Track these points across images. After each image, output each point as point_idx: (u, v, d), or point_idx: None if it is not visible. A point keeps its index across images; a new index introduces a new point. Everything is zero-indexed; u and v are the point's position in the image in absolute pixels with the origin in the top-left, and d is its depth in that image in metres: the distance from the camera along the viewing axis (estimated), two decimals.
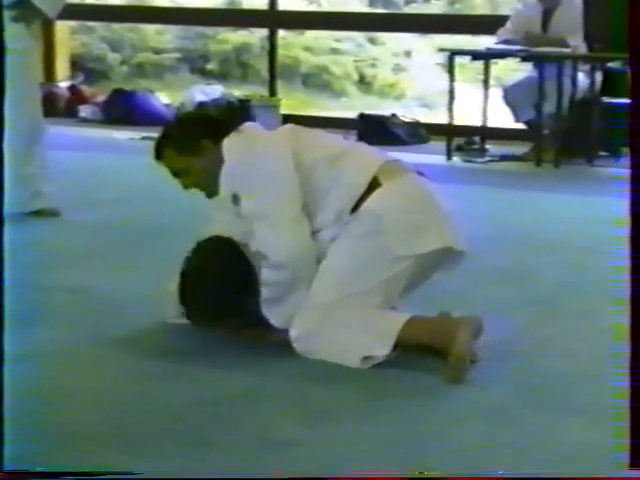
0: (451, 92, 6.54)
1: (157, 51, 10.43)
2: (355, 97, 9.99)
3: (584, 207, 5.07)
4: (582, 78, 6.42)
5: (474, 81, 7.97)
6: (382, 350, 2.68)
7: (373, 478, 2.07)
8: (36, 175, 4.46)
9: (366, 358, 2.69)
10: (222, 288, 2.85)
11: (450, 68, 6.59)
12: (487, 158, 6.55)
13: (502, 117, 6.85)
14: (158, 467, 2.10)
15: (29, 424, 2.23)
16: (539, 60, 6.41)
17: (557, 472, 2.08)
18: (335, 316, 2.73)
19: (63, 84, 8.43)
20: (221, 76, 10.06)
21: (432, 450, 2.22)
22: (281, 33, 8.58)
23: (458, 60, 6.73)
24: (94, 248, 4.03)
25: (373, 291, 2.75)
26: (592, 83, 6.37)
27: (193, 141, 2.90)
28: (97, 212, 4.66)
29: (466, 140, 6.78)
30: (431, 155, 6.45)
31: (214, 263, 2.88)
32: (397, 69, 10.27)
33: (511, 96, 6.54)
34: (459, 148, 6.68)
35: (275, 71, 8.12)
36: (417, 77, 10.04)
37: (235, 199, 2.84)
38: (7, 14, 4.06)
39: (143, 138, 6.63)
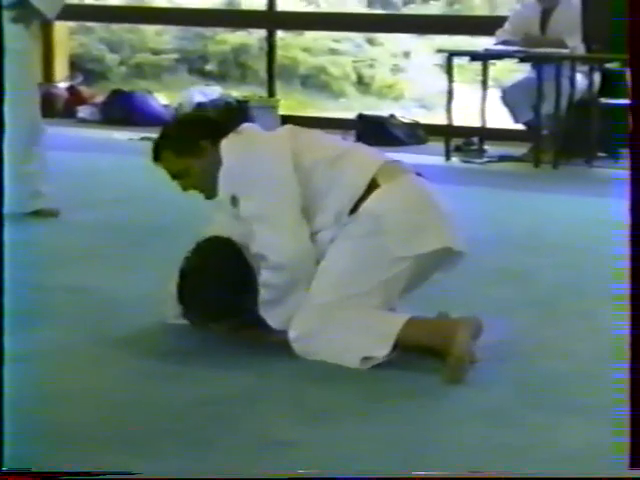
0: (449, 93, 6.55)
1: (156, 52, 10.42)
2: (354, 98, 10.00)
3: (583, 208, 5.07)
4: (580, 79, 6.43)
5: (473, 82, 7.97)
6: (381, 351, 2.68)
7: (373, 478, 2.07)
8: (35, 175, 4.46)
9: (366, 359, 2.69)
10: (221, 288, 2.85)
11: (449, 69, 6.59)
12: (485, 159, 6.55)
13: (501, 118, 6.85)
14: (158, 467, 2.10)
15: (29, 424, 2.23)
16: (537, 61, 6.42)
17: (557, 472, 2.09)
18: (334, 317, 2.73)
19: (62, 85, 8.42)
20: (219, 77, 10.06)
21: (432, 450, 2.22)
22: (279, 34, 8.58)
23: (456, 61, 6.74)
24: (94, 248, 4.03)
25: (372, 292, 2.75)
26: (590, 84, 6.37)
27: (192, 142, 2.90)
28: (96, 212, 4.66)
29: (465, 141, 6.78)
30: (430, 156, 6.45)
31: (213, 263, 2.89)
32: (396, 70, 10.27)
33: (510, 97, 6.54)
34: (458, 149, 6.69)
35: (273, 72, 8.12)
36: (416, 78, 10.05)
37: (234, 201, 2.83)
38: (6, 15, 4.06)
39: (142, 139, 6.62)
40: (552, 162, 6.30)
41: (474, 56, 6.85)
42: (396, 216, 2.79)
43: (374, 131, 6.98)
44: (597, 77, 6.43)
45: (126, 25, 10.19)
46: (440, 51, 7.17)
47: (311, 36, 10.20)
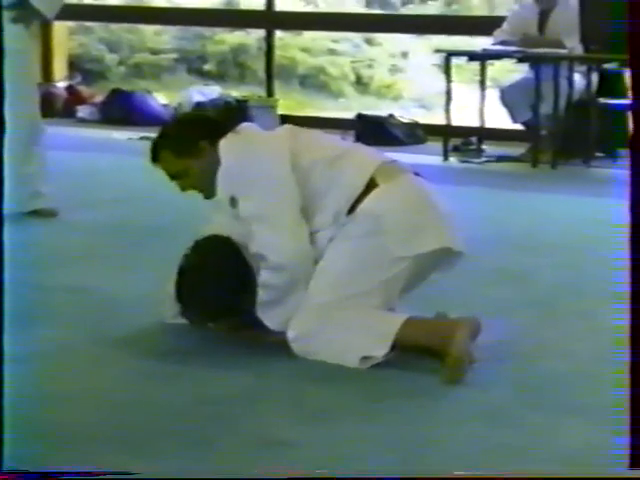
0: (448, 93, 6.55)
1: (155, 52, 10.42)
2: (352, 98, 10.00)
3: (581, 208, 5.07)
4: (578, 79, 6.43)
5: (471, 82, 7.97)
6: (380, 350, 2.69)
7: (373, 478, 2.07)
8: (35, 175, 4.46)
9: (365, 358, 2.70)
10: (219, 286, 2.85)
11: (447, 69, 6.60)
12: (484, 159, 6.55)
13: (499, 118, 6.85)
14: (158, 467, 2.11)
15: (29, 424, 2.23)
16: (535, 61, 6.42)
17: (557, 472, 2.09)
18: (333, 317, 2.73)
19: (61, 84, 8.42)
20: (218, 77, 10.05)
21: (431, 450, 2.22)
22: (278, 34, 8.58)
23: (455, 61, 6.74)
24: (93, 248, 4.03)
25: (371, 292, 2.76)
26: (588, 84, 6.38)
27: (190, 143, 2.89)
28: (96, 212, 4.66)
29: (463, 141, 6.79)
30: (428, 156, 6.45)
31: (212, 261, 2.88)
32: (394, 70, 10.27)
33: (508, 97, 6.54)
34: (456, 149, 6.69)
35: (272, 72, 8.11)
36: (414, 78, 10.05)
37: (233, 201, 2.83)
38: (6, 15, 4.06)
39: (141, 138, 6.62)
40: (550, 162, 6.30)
41: (472, 56, 6.85)
42: (395, 216, 2.79)
43: (373, 131, 6.98)
44: (595, 77, 6.44)
45: (125, 25, 10.18)
46: (438, 51, 7.17)
47: (310, 36, 10.19)
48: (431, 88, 9.17)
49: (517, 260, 3.93)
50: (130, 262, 3.80)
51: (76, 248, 4.04)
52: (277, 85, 8.22)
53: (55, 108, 7.93)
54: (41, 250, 3.98)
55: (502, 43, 6.52)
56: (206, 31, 10.20)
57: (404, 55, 10.29)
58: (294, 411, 2.44)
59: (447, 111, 6.55)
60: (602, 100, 6.32)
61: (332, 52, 10.25)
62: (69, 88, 8.36)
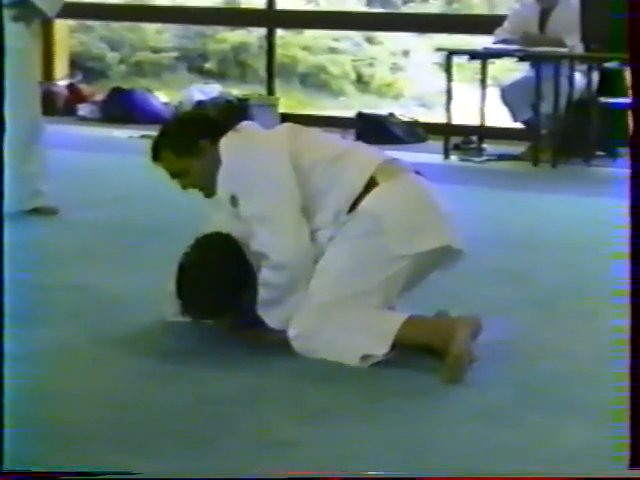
0: (449, 91, 6.55)
1: (156, 50, 10.41)
2: (353, 96, 9.99)
3: (582, 207, 5.07)
4: (579, 78, 6.43)
5: (472, 81, 7.96)
6: (381, 349, 2.68)
7: (373, 478, 2.07)
8: (35, 174, 4.46)
9: (365, 357, 2.70)
10: (220, 283, 2.85)
11: (448, 67, 6.59)
12: (484, 157, 6.55)
13: (499, 117, 6.85)
14: (158, 467, 2.10)
15: (29, 424, 2.22)
16: (536, 60, 6.42)
17: (557, 472, 2.09)
18: (334, 316, 2.73)
19: (62, 83, 8.42)
20: (219, 75, 10.05)
21: (431, 450, 2.22)
22: (279, 32, 8.58)
23: (456, 60, 6.73)
24: (93, 247, 4.03)
25: (372, 291, 2.75)
26: (589, 83, 6.37)
27: (191, 142, 2.89)
28: (96, 211, 4.66)
29: (464, 139, 6.78)
30: (429, 154, 6.45)
31: (213, 257, 2.88)
32: (395, 68, 10.27)
33: (508, 96, 6.54)
34: (457, 147, 6.69)
35: (273, 70, 8.11)
36: (415, 76, 10.04)
37: (233, 200, 2.83)
38: (7, 13, 4.06)
39: (142, 137, 6.62)
40: (551, 161, 6.30)
41: (473, 55, 6.84)
42: (395, 215, 2.79)
43: (373, 130, 6.98)
44: (596, 76, 6.43)
45: (126, 23, 10.17)
46: (439, 50, 7.16)
47: (311, 35, 10.19)
48: (432, 87, 9.16)
49: (517, 259, 3.93)
50: (130, 261, 3.80)
51: (76, 247, 4.04)
52: (278, 84, 8.22)
53: (56, 106, 7.93)
54: (41, 249, 3.98)
55: (503, 42, 6.52)
56: (207, 29, 10.20)
57: (405, 54, 10.28)
58: (294, 411, 2.44)
59: (448, 110, 6.55)
60: (603, 99, 6.32)
61: (333, 51, 10.24)
62: (70, 86, 8.36)
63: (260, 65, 8.99)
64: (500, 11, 8.49)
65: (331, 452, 2.20)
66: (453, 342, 2.63)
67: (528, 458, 2.18)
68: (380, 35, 10.06)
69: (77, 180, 5.34)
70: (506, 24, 6.64)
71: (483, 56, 6.70)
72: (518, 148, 6.59)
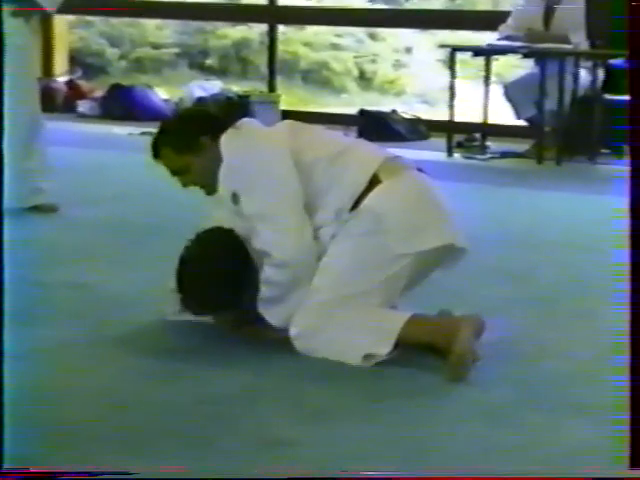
0: (452, 88, 6.53)
1: (156, 46, 10.41)
2: (355, 93, 9.98)
3: (585, 205, 5.06)
4: (584, 75, 6.41)
5: (475, 77, 7.95)
6: (383, 348, 2.68)
7: (373, 478, 2.07)
8: (35, 171, 4.45)
9: (367, 356, 2.69)
10: (220, 277, 2.83)
11: (451, 64, 6.58)
12: (488, 155, 6.54)
13: (503, 114, 6.84)
14: (158, 467, 2.09)
15: (29, 424, 2.22)
16: (541, 57, 6.40)
17: (557, 472, 2.08)
18: (336, 315, 2.72)
19: (61, 79, 8.41)
20: (220, 72, 10.05)
21: (432, 450, 2.22)
22: (281, 28, 8.57)
23: (459, 56, 6.72)
24: (93, 245, 4.02)
25: (373, 290, 2.75)
26: (594, 80, 6.36)
27: (191, 139, 2.88)
28: (96, 208, 4.65)
29: (467, 137, 6.77)
30: (431, 152, 6.45)
31: (213, 252, 2.87)
32: (397, 65, 10.26)
33: (512, 93, 6.52)
34: (460, 145, 6.68)
35: (274, 67, 8.10)
36: (418, 73, 10.03)
37: (235, 198, 2.82)
38: (6, 9, 4.05)
39: (142, 133, 6.61)
40: (555, 159, 6.29)
41: (477, 51, 6.83)
42: (397, 214, 2.78)
43: (376, 127, 6.97)
44: (601, 73, 6.41)
45: (126, 19, 10.16)
46: (442, 46, 7.16)
47: (312, 31, 10.18)
48: (435, 84, 9.16)
49: (520, 258, 3.92)
50: (131, 259, 3.79)
51: (76, 244, 4.03)
52: (279, 80, 8.21)
53: (55, 103, 7.92)
54: (41, 246, 3.98)
55: (507, 38, 6.50)
56: (208, 25, 10.19)
57: (408, 50, 10.27)
58: (294, 411, 2.43)
59: (451, 107, 6.53)
60: (607, 96, 6.30)
61: (335, 47, 10.23)
62: (69, 83, 8.35)
63: (261, 61, 8.99)
64: (504, 7, 8.49)
65: (331, 452, 2.19)
66: (456, 341, 2.62)
67: (528, 458, 2.18)
68: (383, 31, 10.05)
69: (77, 177, 5.33)
70: (510, 20, 6.62)
71: (487, 53, 6.68)
72: (522, 146, 6.58)
